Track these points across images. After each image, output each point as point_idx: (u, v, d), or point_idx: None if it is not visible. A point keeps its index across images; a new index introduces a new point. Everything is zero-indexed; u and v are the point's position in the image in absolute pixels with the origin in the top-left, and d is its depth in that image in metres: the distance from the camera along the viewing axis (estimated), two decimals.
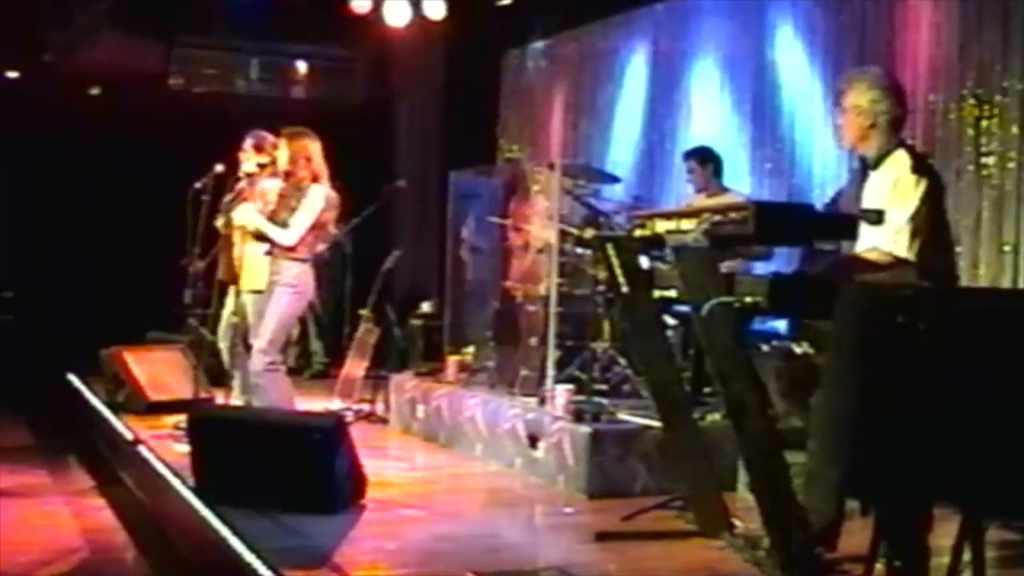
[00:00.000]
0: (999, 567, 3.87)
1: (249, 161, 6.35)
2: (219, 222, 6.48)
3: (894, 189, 3.83)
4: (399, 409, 7.06)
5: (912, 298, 2.78)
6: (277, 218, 5.83)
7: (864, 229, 3.81)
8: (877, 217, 3.70)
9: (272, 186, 6.12)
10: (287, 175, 5.89)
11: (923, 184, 3.82)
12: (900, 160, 3.91)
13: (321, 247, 6.35)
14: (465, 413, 6.26)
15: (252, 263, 6.12)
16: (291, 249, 5.76)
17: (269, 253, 5.89)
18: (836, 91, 4.16)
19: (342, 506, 4.74)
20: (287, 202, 5.86)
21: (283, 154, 5.90)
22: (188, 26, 10.23)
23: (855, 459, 2.67)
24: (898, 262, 3.75)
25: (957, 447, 2.56)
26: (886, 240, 3.77)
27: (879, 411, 2.59)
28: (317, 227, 5.86)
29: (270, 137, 6.40)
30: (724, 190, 6.74)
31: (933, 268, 3.79)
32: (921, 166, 3.91)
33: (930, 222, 3.81)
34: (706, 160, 6.83)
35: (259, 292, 6.06)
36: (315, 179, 5.85)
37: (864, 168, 4.07)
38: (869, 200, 3.89)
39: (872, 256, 3.80)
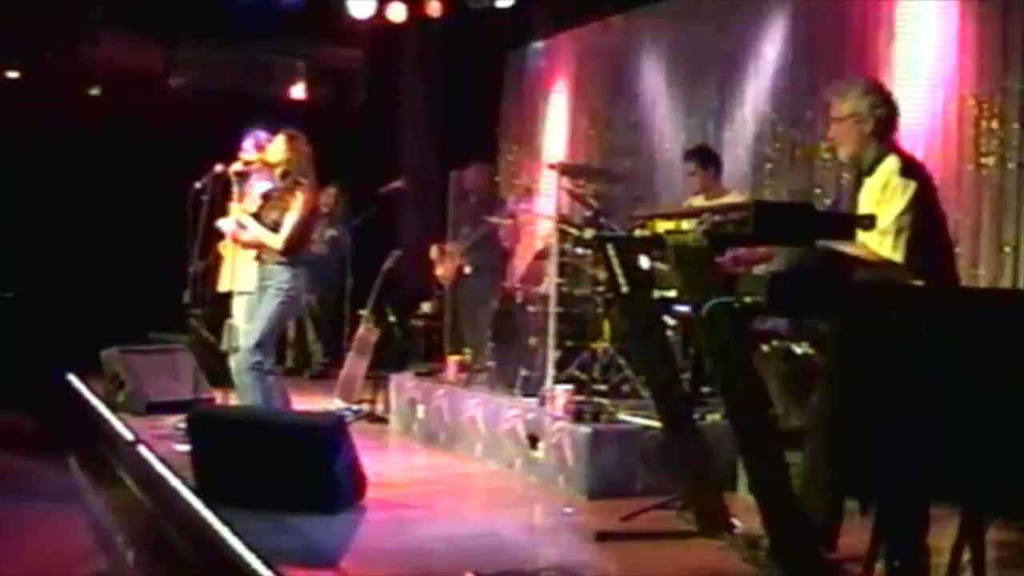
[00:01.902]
0: (999, 567, 3.88)
1: (238, 162, 6.34)
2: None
3: (882, 193, 3.85)
4: (399, 409, 7.06)
5: (911, 298, 2.78)
6: (265, 219, 5.82)
7: (859, 236, 3.82)
8: (870, 222, 3.71)
9: (259, 187, 6.12)
10: (283, 175, 5.89)
11: (911, 188, 3.83)
12: (890, 164, 3.93)
13: (316, 248, 6.36)
14: (465, 413, 6.27)
15: (242, 265, 6.15)
16: (281, 253, 5.75)
17: (258, 258, 5.88)
18: (826, 104, 4.13)
19: (342, 506, 4.75)
20: (275, 203, 5.85)
21: (278, 153, 5.88)
22: (188, 26, 10.22)
23: (854, 459, 2.67)
24: (886, 263, 3.76)
25: (956, 447, 2.56)
26: (872, 241, 3.79)
27: (878, 411, 2.59)
28: (306, 232, 5.85)
29: (264, 135, 6.40)
30: (723, 191, 6.73)
31: (921, 270, 3.79)
32: (909, 169, 3.92)
33: (918, 225, 3.81)
34: (708, 161, 6.82)
35: (248, 294, 6.07)
36: (308, 184, 5.86)
37: (860, 175, 4.09)
38: (863, 206, 3.91)
39: (861, 253, 3.80)
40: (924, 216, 3.85)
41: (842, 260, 3.84)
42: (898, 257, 3.76)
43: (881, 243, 3.78)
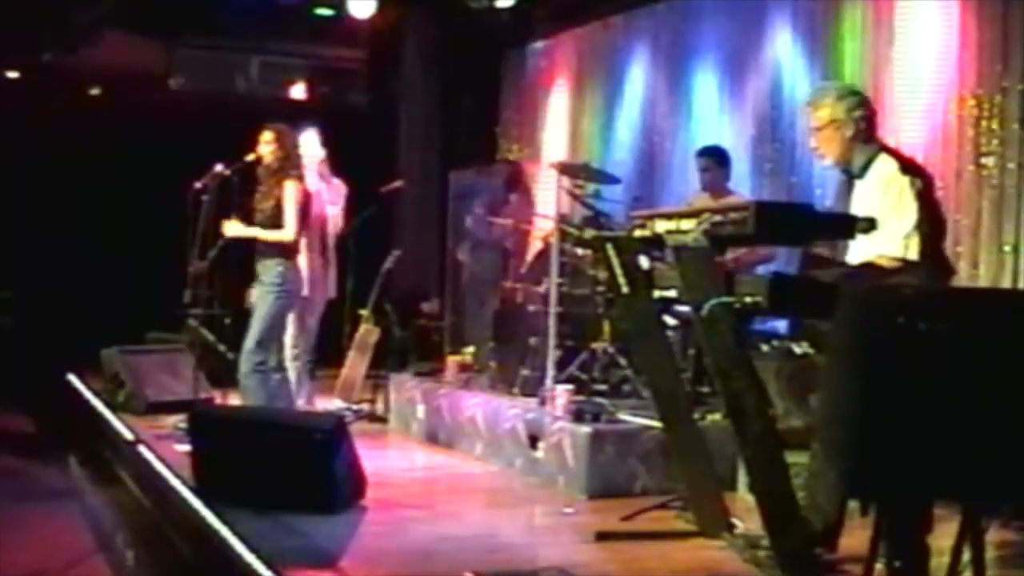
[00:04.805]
0: (999, 567, 3.88)
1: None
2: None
3: (887, 195, 3.85)
4: (399, 409, 7.06)
5: (912, 299, 2.78)
6: (258, 211, 5.87)
7: (860, 238, 3.81)
8: (869, 225, 3.71)
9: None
10: (276, 169, 5.91)
11: (917, 183, 3.85)
12: (886, 163, 3.93)
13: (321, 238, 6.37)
14: (465, 413, 6.27)
15: None
16: (286, 246, 5.78)
17: (257, 251, 5.92)
18: (805, 113, 4.14)
19: (342, 506, 4.75)
20: (266, 194, 5.89)
21: (269, 150, 5.92)
22: (188, 26, 10.22)
23: (855, 459, 2.67)
24: (907, 265, 3.76)
25: (957, 447, 2.56)
26: (893, 246, 3.78)
27: (879, 411, 2.59)
28: (304, 219, 5.90)
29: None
30: (728, 192, 6.74)
31: (939, 264, 3.81)
32: (907, 166, 3.93)
33: (928, 220, 3.83)
34: (723, 161, 6.83)
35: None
36: (297, 173, 5.90)
37: (849, 179, 4.08)
38: (859, 209, 3.90)
39: (882, 263, 3.80)
40: (928, 210, 3.86)
41: (864, 273, 3.83)
42: (923, 257, 3.77)
43: (906, 246, 3.77)
